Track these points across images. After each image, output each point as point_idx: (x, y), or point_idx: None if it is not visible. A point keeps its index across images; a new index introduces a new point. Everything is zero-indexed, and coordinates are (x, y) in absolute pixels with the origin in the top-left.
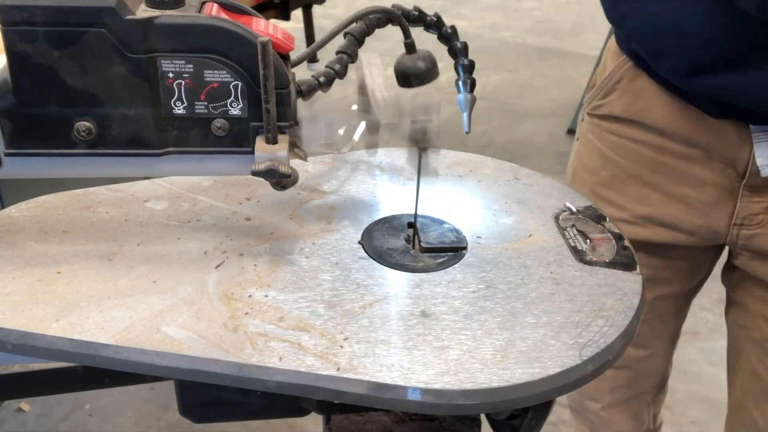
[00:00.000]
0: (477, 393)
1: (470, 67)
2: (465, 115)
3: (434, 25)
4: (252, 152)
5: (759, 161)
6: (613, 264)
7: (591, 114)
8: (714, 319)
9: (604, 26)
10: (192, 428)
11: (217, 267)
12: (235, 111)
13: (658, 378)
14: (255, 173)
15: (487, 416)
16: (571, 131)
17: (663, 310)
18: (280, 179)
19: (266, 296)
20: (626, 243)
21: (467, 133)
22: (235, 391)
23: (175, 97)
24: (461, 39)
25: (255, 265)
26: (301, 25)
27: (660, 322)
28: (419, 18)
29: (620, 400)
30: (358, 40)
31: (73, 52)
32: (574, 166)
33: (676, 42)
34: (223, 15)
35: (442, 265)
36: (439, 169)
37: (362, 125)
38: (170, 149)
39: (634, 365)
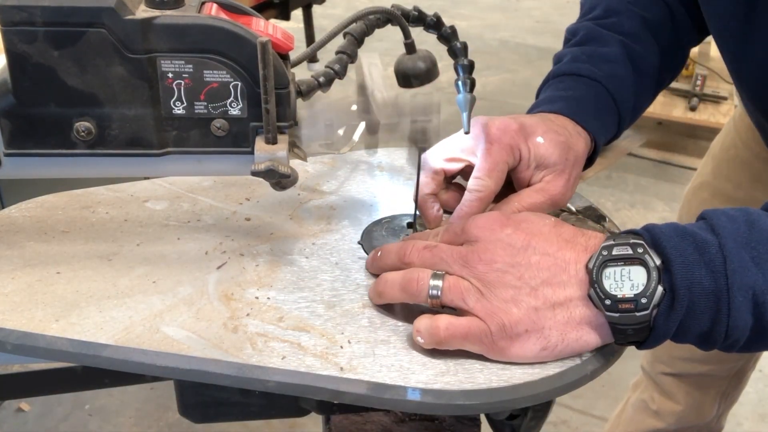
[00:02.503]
0: (476, 393)
1: (470, 67)
2: (465, 115)
3: (434, 25)
4: (252, 152)
5: None
6: None
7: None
8: None
9: None
10: (192, 428)
11: (218, 268)
12: (234, 111)
13: (736, 368)
14: (255, 173)
15: (487, 416)
16: None
17: None
18: (280, 179)
19: (266, 296)
20: None
21: (467, 133)
22: (234, 391)
23: (175, 97)
24: (461, 39)
25: (255, 265)
26: (301, 25)
27: None
28: (419, 18)
29: (690, 373)
30: (357, 41)
31: (73, 52)
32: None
33: None
34: (223, 15)
35: None
36: None
37: (362, 125)
38: (170, 149)
39: None
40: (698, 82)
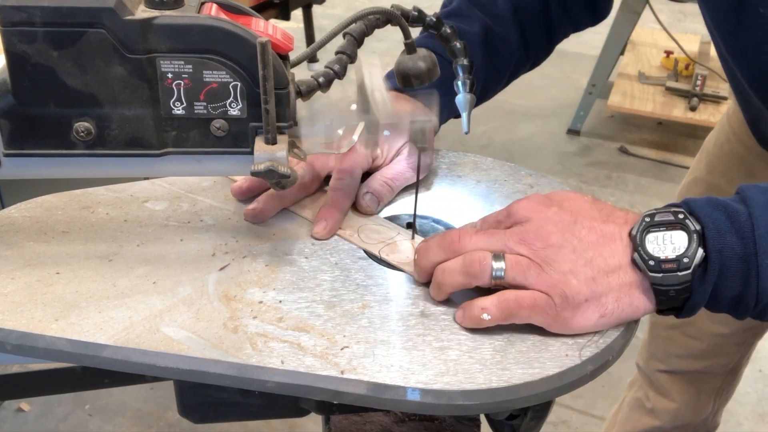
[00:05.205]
0: (476, 393)
1: (469, 68)
2: (464, 115)
3: (433, 25)
4: (251, 152)
5: None
6: None
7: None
8: None
9: (604, 26)
10: (192, 428)
11: (221, 269)
12: (234, 111)
13: (731, 365)
14: (254, 173)
15: (487, 416)
16: (571, 131)
17: None
18: (280, 179)
19: (266, 297)
20: None
21: (467, 133)
22: (234, 391)
23: (174, 97)
24: (460, 39)
25: (255, 265)
26: (301, 25)
27: None
28: (419, 18)
29: (686, 370)
30: (357, 41)
31: (72, 52)
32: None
33: None
34: (223, 15)
35: None
36: (438, 169)
37: (362, 125)
38: (169, 150)
39: (707, 339)
40: (698, 82)
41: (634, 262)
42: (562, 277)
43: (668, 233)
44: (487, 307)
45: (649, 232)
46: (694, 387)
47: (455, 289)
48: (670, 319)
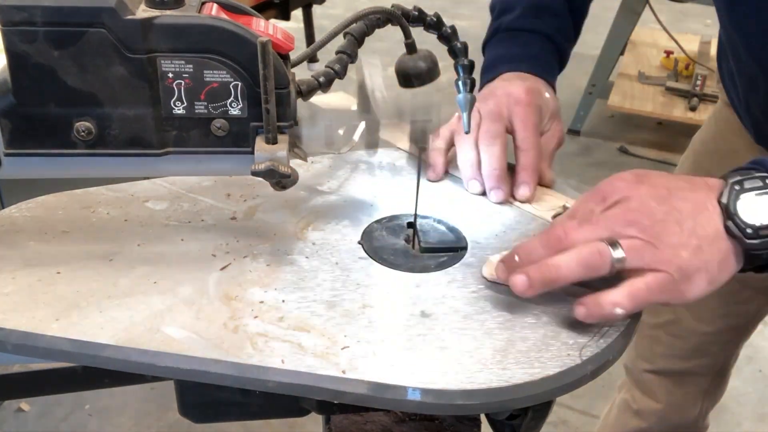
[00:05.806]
0: (476, 393)
1: (470, 67)
2: (465, 115)
3: (434, 25)
4: (252, 152)
5: None
6: None
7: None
8: None
9: (604, 26)
10: (192, 428)
11: (222, 269)
12: (234, 111)
13: (717, 366)
14: (255, 173)
15: (487, 416)
16: (571, 131)
17: (726, 291)
18: (280, 179)
19: (267, 296)
20: None
21: (467, 133)
22: (235, 391)
23: (175, 97)
24: (461, 39)
25: (255, 265)
26: (301, 25)
27: (724, 303)
28: (419, 18)
29: (671, 370)
30: (357, 41)
31: (73, 52)
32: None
33: None
34: (223, 15)
35: (442, 265)
36: None
37: (362, 125)
38: (170, 149)
39: (692, 338)
40: (698, 82)
41: (727, 229)
42: (675, 251)
43: (758, 199)
44: (618, 302)
45: (739, 199)
46: (679, 388)
47: (569, 283)
48: (656, 318)
